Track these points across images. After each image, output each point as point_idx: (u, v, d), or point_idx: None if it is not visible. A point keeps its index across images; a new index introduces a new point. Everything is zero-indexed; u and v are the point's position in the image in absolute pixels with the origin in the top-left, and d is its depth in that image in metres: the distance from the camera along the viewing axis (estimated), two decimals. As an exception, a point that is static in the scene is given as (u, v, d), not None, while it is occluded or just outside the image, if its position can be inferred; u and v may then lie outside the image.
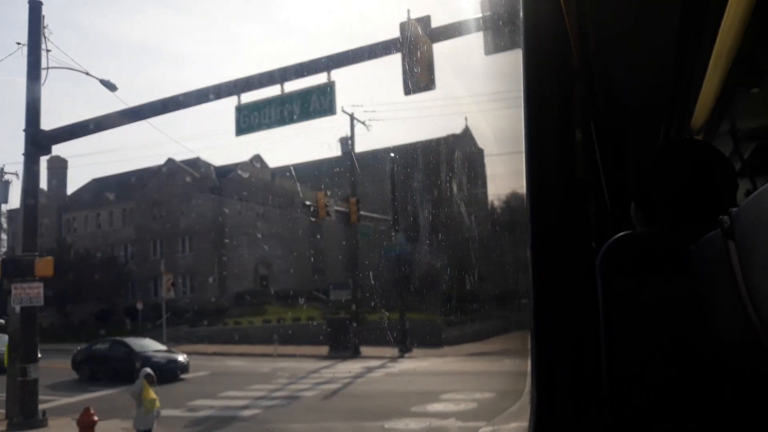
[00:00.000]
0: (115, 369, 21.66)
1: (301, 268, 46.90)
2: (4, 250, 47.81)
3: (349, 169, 28.67)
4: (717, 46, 2.09)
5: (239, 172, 47.54)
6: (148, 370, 11.25)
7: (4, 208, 39.78)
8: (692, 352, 1.12)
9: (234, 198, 46.33)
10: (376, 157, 31.86)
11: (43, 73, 16.40)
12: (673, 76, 2.53)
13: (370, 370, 21.71)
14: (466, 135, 33.65)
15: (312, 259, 45.94)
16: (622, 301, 1.20)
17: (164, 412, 15.56)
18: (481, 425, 2.76)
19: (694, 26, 2.09)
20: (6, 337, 28.70)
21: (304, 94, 11.32)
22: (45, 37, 17.19)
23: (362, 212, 24.73)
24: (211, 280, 45.34)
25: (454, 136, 33.10)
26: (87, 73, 18.11)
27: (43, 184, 53.41)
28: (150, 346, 22.86)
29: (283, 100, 11.52)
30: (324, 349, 28.23)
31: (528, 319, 1.31)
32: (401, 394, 15.74)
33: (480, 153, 27.50)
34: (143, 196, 48.92)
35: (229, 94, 12.14)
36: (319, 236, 42.11)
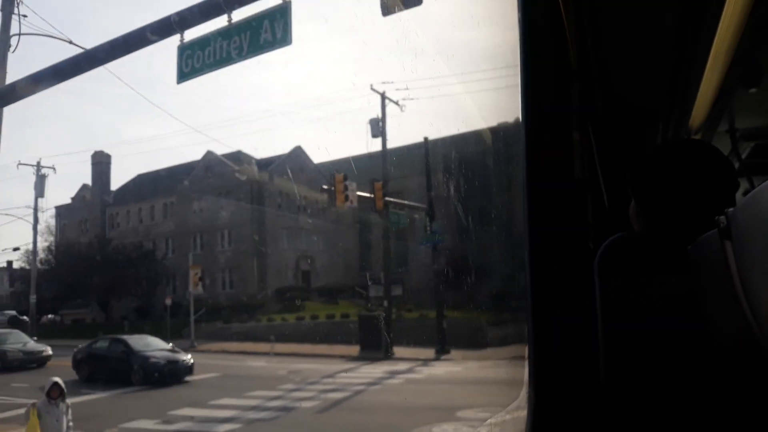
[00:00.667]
0: (113, 369, 19.62)
1: (346, 263, 44.67)
2: (46, 245, 47.47)
3: (383, 156, 25.89)
4: (716, 46, 2.07)
5: (285, 166, 45.50)
6: (56, 380, 8.52)
7: (42, 203, 38.86)
8: (689, 352, 1.11)
9: (275, 191, 44.30)
10: (414, 149, 29.03)
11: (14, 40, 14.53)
12: (671, 75, 2.48)
13: (392, 375, 18.91)
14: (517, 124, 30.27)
15: (357, 253, 43.70)
16: (620, 300, 1.19)
17: (132, 424, 13.60)
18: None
19: (693, 26, 2.05)
20: (21, 334, 27.79)
21: (253, 22, 8.57)
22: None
23: (389, 199, 21.76)
24: (252, 273, 43.53)
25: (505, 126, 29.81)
26: (71, 42, 16.05)
27: (88, 179, 53.02)
28: (153, 344, 20.67)
29: (230, 32, 8.81)
30: (356, 350, 25.67)
31: (525, 319, 1.30)
32: (409, 410, 12.89)
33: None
34: (183, 190, 47.61)
35: (169, 33, 9.48)
36: (364, 229, 39.77)
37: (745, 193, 0.87)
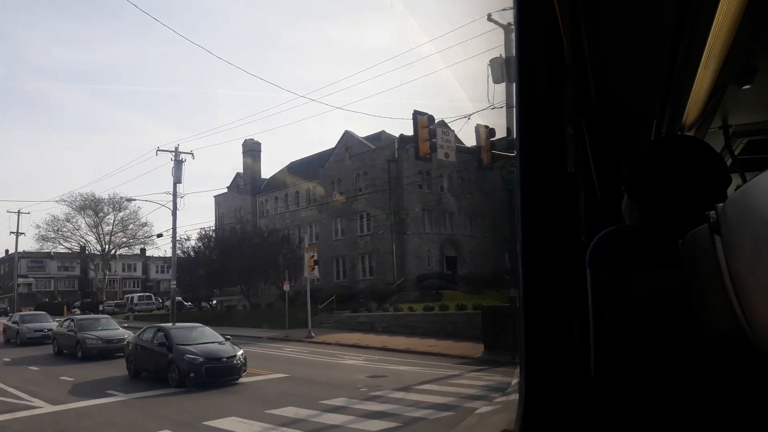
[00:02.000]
0: (155, 366, 16.05)
1: (498, 248, 38.46)
2: (197, 233, 47.35)
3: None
4: (710, 43, 2.03)
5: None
6: None
7: (180, 188, 37.89)
8: (681, 345, 1.10)
9: (414, 171, 39.38)
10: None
11: None
12: (665, 71, 2.38)
13: (494, 388, 13.01)
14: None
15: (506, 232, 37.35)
16: (612, 293, 1.18)
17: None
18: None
19: (688, 22, 1.98)
20: (111, 320, 25.96)
21: None
22: None
23: (498, 152, 15.57)
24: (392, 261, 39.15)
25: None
26: None
27: (240, 167, 52.47)
28: (199, 336, 16.68)
29: None
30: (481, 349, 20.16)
31: (517, 312, 1.29)
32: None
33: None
34: (324, 173, 44.72)
35: None
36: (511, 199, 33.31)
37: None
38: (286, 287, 31.64)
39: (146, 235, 64.10)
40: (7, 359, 21.40)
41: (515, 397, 1.34)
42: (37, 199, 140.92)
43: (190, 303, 48.36)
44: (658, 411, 1.12)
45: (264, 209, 50.29)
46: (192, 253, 45.94)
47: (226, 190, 52.98)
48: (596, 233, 1.23)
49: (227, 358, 15.34)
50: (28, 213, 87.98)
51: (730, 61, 2.16)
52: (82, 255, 67.12)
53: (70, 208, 61.51)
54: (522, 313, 1.27)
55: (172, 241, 37.69)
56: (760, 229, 0.69)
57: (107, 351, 20.56)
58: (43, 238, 62.34)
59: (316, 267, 28.86)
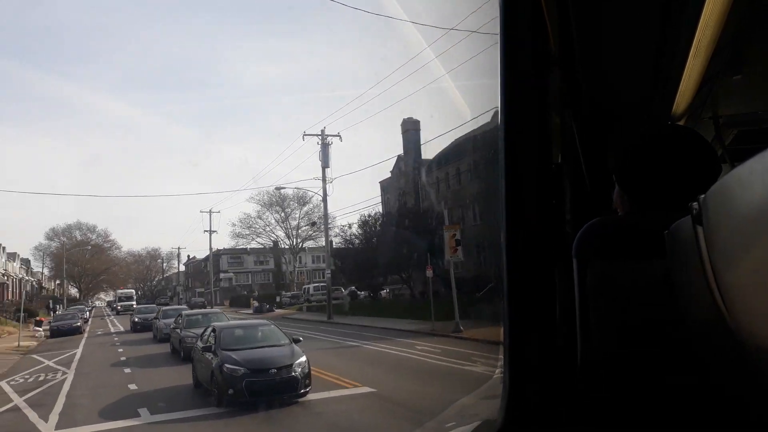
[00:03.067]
0: (203, 376, 12.56)
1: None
2: (348, 220, 44.79)
3: None
4: (699, 33, 2.02)
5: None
6: None
7: (329, 173, 35.37)
8: (665, 336, 1.09)
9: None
10: None
11: None
12: (655, 61, 2.37)
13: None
14: None
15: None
16: (597, 284, 1.17)
17: None
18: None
19: (677, 12, 1.97)
20: (223, 315, 23.46)
21: None
22: None
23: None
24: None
25: None
26: None
27: (399, 149, 49.05)
28: (257, 338, 12.80)
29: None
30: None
31: (501, 302, 1.27)
32: None
33: None
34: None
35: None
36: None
37: None
38: (429, 273, 27.15)
39: (336, 226, 64.33)
40: (123, 358, 20.02)
41: (498, 386, 1.29)
42: (224, 198, 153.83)
43: (363, 292, 46.38)
44: (643, 400, 1.12)
45: (426, 191, 46.30)
46: (355, 240, 43.66)
47: (389, 175, 50.09)
48: (584, 224, 1.22)
49: (279, 368, 11.29)
50: (219, 212, 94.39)
51: (720, 51, 2.14)
52: (275, 249, 69.46)
53: (260, 206, 63.74)
54: (506, 302, 1.25)
55: (324, 228, 35.32)
56: (739, 220, 0.68)
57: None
58: (238, 235, 65.49)
59: (458, 248, 23.96)
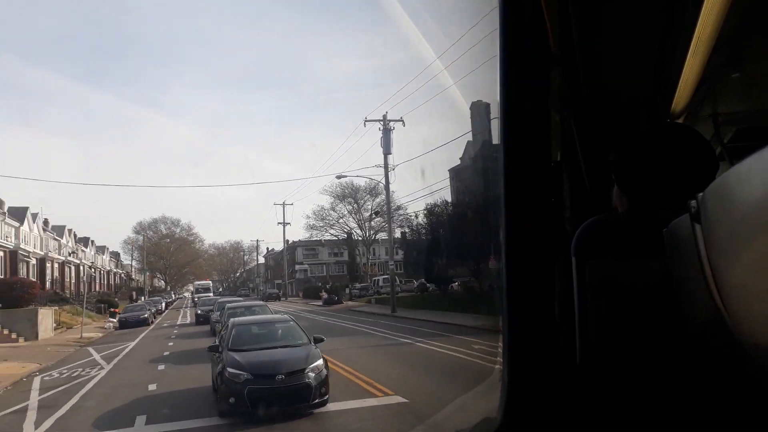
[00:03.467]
0: (213, 378, 10.99)
1: None
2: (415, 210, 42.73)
3: None
4: (698, 30, 1.99)
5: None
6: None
7: (392, 160, 33.53)
8: (663, 334, 1.09)
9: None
10: None
11: None
12: (654, 59, 2.34)
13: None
14: None
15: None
16: (596, 282, 1.16)
17: None
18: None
19: (677, 10, 1.95)
20: (267, 308, 22.02)
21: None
22: None
23: None
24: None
25: None
26: None
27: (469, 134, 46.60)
28: (269, 336, 10.96)
29: None
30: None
31: (500, 300, 1.26)
32: None
33: None
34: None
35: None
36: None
37: None
38: (492, 264, 24.82)
39: (402, 216, 62.83)
40: (166, 353, 19.15)
41: (497, 384, 1.27)
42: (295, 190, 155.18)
43: (431, 284, 44.52)
44: (642, 399, 1.11)
45: (497, 179, 43.60)
46: (422, 231, 41.75)
47: (458, 162, 47.72)
48: (583, 223, 1.22)
49: (289, 374, 9.51)
50: (292, 204, 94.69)
51: (719, 49, 2.12)
52: (348, 241, 68.78)
53: (332, 197, 63.13)
54: (505, 300, 1.24)
55: (387, 218, 33.63)
56: (737, 219, 0.68)
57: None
58: (312, 227, 65.21)
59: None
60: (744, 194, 0.67)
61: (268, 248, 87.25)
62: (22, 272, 38.47)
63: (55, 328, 29.21)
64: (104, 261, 71.48)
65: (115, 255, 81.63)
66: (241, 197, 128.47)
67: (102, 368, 17.01)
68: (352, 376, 13.01)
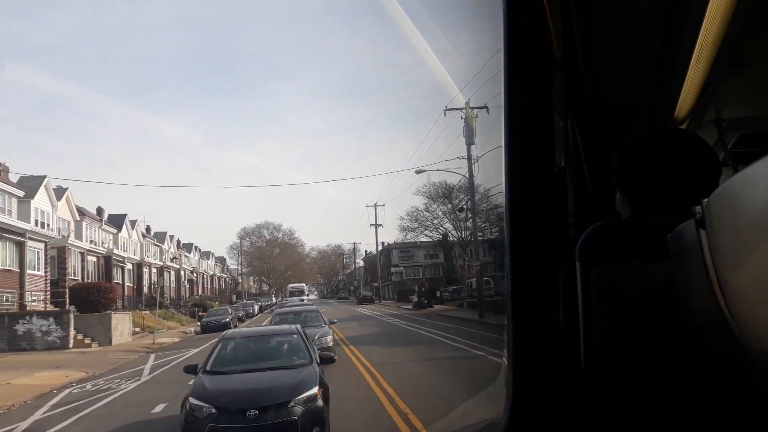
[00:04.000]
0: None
1: None
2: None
3: None
4: (702, 35, 1.96)
5: None
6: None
7: (474, 151, 30.37)
8: (668, 339, 1.08)
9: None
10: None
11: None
12: (657, 64, 2.32)
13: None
14: None
15: None
16: (600, 287, 1.15)
17: None
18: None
19: (680, 14, 1.93)
20: (319, 315, 19.42)
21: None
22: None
23: None
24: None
25: None
26: None
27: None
28: (271, 352, 8.55)
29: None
30: None
31: (505, 305, 1.26)
32: None
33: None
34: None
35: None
36: None
37: None
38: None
39: (492, 213, 59.17)
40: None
41: (503, 388, 1.26)
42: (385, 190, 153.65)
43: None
44: (646, 403, 1.11)
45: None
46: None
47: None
48: (587, 227, 1.23)
49: (264, 408, 7.03)
50: (383, 205, 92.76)
51: (723, 54, 2.10)
52: (444, 242, 65.97)
53: (426, 198, 60.71)
54: (510, 305, 1.24)
55: (471, 214, 30.57)
56: (742, 224, 0.68)
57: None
58: (406, 229, 63.06)
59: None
60: (749, 200, 0.67)
61: (366, 251, 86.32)
62: (117, 277, 39.25)
63: (136, 333, 28.89)
64: (209, 266, 73.42)
65: (221, 260, 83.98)
66: (338, 198, 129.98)
67: (138, 380, 15.53)
68: (387, 401, 10.38)
